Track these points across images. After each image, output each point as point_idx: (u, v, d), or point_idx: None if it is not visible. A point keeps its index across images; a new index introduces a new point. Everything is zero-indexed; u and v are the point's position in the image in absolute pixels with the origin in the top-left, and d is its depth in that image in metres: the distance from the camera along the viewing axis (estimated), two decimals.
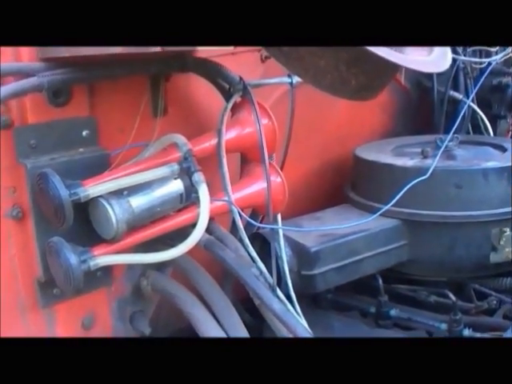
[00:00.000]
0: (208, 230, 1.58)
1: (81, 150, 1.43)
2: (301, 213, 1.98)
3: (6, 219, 1.40)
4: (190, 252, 1.52)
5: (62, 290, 1.38)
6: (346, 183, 2.09)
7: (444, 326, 1.78)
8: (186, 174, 1.40)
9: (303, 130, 2.05)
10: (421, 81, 2.45)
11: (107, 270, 1.50)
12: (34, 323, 1.47)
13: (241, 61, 1.74)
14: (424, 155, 1.92)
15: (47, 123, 1.39)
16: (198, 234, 1.39)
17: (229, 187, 1.51)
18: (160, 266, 1.63)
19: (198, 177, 1.38)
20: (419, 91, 2.49)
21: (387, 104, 2.31)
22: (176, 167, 1.38)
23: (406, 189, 1.70)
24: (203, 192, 1.38)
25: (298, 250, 1.73)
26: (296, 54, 1.15)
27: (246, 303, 1.69)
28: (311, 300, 1.93)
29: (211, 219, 1.59)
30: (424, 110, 2.39)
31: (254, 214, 1.74)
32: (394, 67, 1.27)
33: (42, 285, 1.43)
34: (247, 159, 1.66)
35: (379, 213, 1.72)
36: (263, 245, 1.74)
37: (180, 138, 1.42)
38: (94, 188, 1.31)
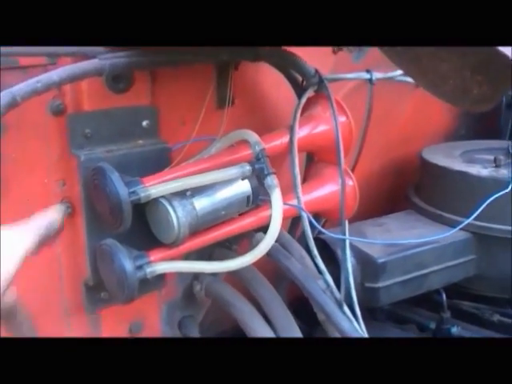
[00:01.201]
0: None
1: (140, 142, 1.23)
2: (361, 216, 1.77)
3: None
4: None
5: (114, 296, 1.18)
6: (410, 187, 1.87)
7: None
8: (256, 175, 1.20)
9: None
10: None
11: (160, 273, 1.31)
12: (78, 327, 1.29)
13: (310, 51, 1.53)
14: (497, 164, 1.70)
15: (105, 111, 1.18)
16: (269, 242, 1.19)
17: (299, 191, 1.31)
18: None
19: (272, 180, 1.18)
20: None
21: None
22: (248, 168, 1.17)
23: (487, 202, 1.49)
24: (276, 197, 1.18)
25: (362, 259, 1.53)
26: (413, 53, 0.94)
27: (294, 306, 1.50)
28: (366, 310, 1.73)
29: None
30: (489, 112, 2.16)
31: (316, 218, 1.54)
32: None
33: (89, 288, 1.24)
34: (315, 160, 1.46)
35: (459, 227, 1.51)
36: (323, 251, 1.54)
37: (252, 136, 1.22)
38: (156, 188, 1.11)
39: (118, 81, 1.19)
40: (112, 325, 1.31)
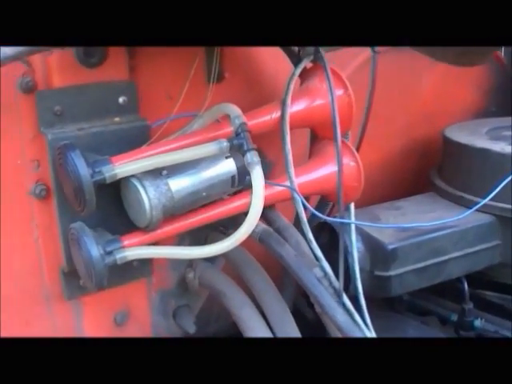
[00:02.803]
0: (267, 220, 1.26)
1: (116, 119, 1.12)
2: (379, 199, 1.60)
3: (30, 197, 1.11)
4: (247, 243, 1.20)
5: (86, 284, 1.08)
6: (433, 168, 1.69)
7: None
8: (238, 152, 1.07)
9: (383, 105, 1.66)
10: None
11: (146, 259, 1.20)
12: (60, 315, 1.20)
13: None
14: None
15: (76, 87, 1.07)
16: (248, 226, 1.06)
17: (291, 170, 1.17)
18: (210, 258, 1.31)
19: (252, 157, 1.04)
20: None
21: (482, 79, 1.88)
22: (225, 144, 1.03)
23: (507, 181, 1.30)
24: (257, 176, 1.04)
25: (371, 245, 1.37)
26: None
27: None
28: (384, 300, 1.57)
29: (272, 207, 1.26)
30: None
31: (323, 201, 1.40)
32: None
33: (66, 275, 1.14)
34: (318, 136, 1.30)
35: (475, 208, 1.32)
36: (332, 236, 1.39)
37: (233, 109, 1.08)
38: (123, 166, 1.00)
39: (90, 55, 1.08)
40: (95, 314, 1.21)
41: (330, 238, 1.41)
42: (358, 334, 1.11)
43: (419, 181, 1.74)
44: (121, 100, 1.12)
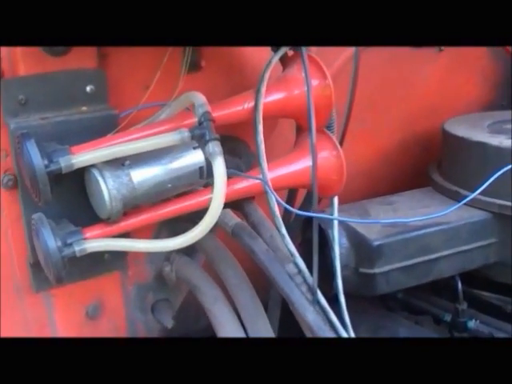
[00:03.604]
0: (244, 213, 1.21)
1: (83, 108, 1.09)
2: (377, 194, 1.54)
3: None
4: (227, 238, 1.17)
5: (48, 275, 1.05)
6: (432, 163, 1.61)
7: None
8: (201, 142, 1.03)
9: (382, 97, 1.61)
10: None
11: (120, 252, 1.17)
12: (32, 308, 1.17)
13: None
14: None
15: (41, 75, 1.05)
16: (209, 220, 1.01)
17: (264, 161, 1.12)
18: (190, 251, 1.28)
19: (213, 147, 0.98)
20: None
21: (489, 71, 1.78)
22: (186, 134, 0.99)
23: (497, 174, 1.22)
24: (218, 167, 0.99)
25: (357, 241, 1.31)
26: None
27: None
28: (378, 298, 1.51)
29: (250, 200, 1.22)
30: None
31: (309, 196, 1.34)
32: None
33: (33, 266, 1.12)
34: (301, 128, 1.25)
35: (462, 202, 1.25)
36: (322, 231, 1.34)
37: (197, 97, 1.03)
38: (80, 156, 0.96)
39: None
40: (66, 307, 1.18)
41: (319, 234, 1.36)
42: (328, 334, 1.05)
43: (420, 175, 1.66)
44: (88, 89, 1.08)
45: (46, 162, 0.93)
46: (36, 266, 1.10)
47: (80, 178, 1.04)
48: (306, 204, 1.31)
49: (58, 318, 1.18)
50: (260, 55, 1.29)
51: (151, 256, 1.27)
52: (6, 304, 1.16)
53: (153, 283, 1.30)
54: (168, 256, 1.27)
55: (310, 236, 1.30)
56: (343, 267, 1.25)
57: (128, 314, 1.26)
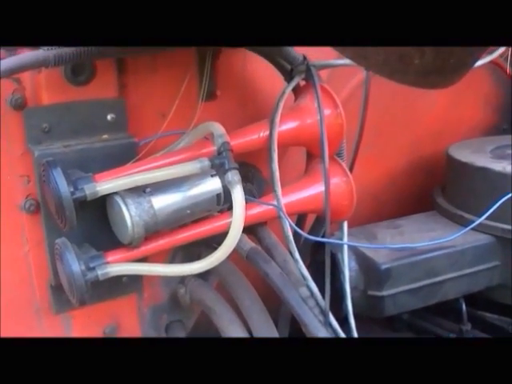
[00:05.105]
0: (257, 238, 1.24)
1: (104, 136, 1.12)
2: (384, 217, 1.58)
3: (20, 212, 1.12)
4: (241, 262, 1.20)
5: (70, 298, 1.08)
6: (437, 187, 1.65)
7: None
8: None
9: (389, 123, 1.65)
10: None
11: (136, 275, 1.20)
12: (50, 329, 1.20)
13: None
14: None
15: (64, 104, 1.08)
16: (228, 246, 1.04)
17: (278, 188, 1.16)
18: (203, 274, 1.30)
19: (233, 176, 1.03)
20: None
21: (491, 96, 1.83)
22: (206, 163, 1.03)
23: (503, 200, 1.26)
24: (237, 195, 1.02)
25: (365, 265, 1.34)
26: None
27: None
28: (383, 319, 1.54)
29: (263, 224, 1.25)
30: None
31: (320, 219, 1.37)
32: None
33: (54, 289, 1.15)
34: (312, 155, 1.29)
35: (468, 228, 1.29)
36: (331, 255, 1.37)
37: (216, 128, 1.07)
38: (105, 184, 1.00)
39: (78, 73, 1.08)
40: (84, 328, 1.21)
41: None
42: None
43: (424, 199, 1.70)
44: (109, 117, 1.12)
45: (71, 189, 0.97)
46: (57, 288, 1.13)
47: (100, 203, 1.07)
48: (316, 228, 1.34)
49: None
50: (272, 83, 1.34)
51: (166, 279, 1.30)
52: (26, 325, 1.18)
53: (167, 305, 1.32)
54: (182, 279, 1.30)
55: (319, 258, 1.35)
56: (352, 289, 1.29)
57: (143, 334, 1.29)
